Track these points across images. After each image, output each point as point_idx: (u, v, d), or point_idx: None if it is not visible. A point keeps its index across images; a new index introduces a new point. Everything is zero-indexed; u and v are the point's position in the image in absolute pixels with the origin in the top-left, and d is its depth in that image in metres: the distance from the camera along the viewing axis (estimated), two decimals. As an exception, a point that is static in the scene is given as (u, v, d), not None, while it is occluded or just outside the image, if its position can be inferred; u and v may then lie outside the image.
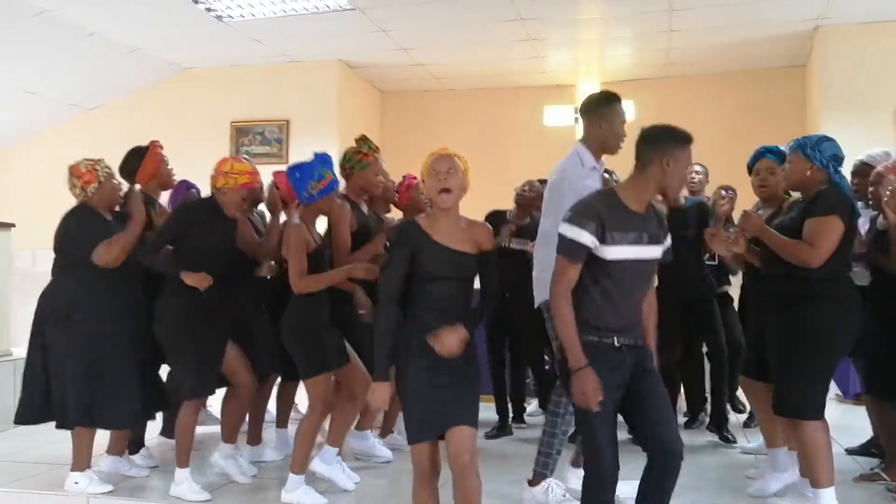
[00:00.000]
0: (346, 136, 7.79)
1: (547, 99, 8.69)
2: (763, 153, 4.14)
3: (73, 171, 3.97)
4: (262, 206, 4.76)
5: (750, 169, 4.22)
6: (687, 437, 5.00)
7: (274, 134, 8.31)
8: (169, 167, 4.36)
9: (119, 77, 8.22)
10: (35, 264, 7.94)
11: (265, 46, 7.72)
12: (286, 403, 4.88)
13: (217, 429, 4.39)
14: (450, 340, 2.73)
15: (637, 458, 2.78)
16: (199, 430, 4.49)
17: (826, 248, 3.25)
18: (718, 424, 4.99)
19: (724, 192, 5.45)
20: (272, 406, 4.91)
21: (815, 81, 7.51)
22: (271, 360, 4.38)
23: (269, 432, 4.93)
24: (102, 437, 4.21)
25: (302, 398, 4.33)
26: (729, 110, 8.25)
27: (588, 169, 3.55)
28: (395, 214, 5.06)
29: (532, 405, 5.73)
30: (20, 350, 5.18)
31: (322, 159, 3.78)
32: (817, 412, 3.33)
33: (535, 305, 3.71)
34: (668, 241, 2.83)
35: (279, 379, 4.75)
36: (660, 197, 2.86)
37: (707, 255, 5.00)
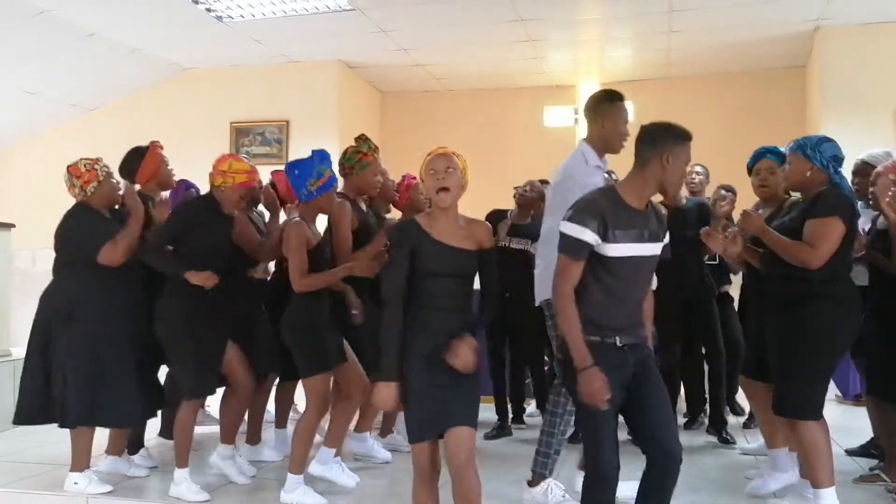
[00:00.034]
0: (345, 136, 7.78)
1: (547, 99, 8.69)
2: (763, 153, 4.15)
3: (72, 171, 3.97)
4: (261, 206, 4.77)
5: (750, 169, 4.23)
6: (686, 438, 5.03)
7: (274, 134, 8.31)
8: (169, 167, 4.36)
9: (119, 77, 8.22)
10: (35, 264, 7.95)
11: (265, 47, 7.72)
12: (285, 403, 4.89)
13: (216, 429, 4.39)
14: (466, 354, 2.73)
15: (638, 458, 2.78)
16: (198, 430, 4.49)
17: (827, 250, 3.25)
18: (717, 427, 5.00)
19: (723, 192, 5.45)
20: (272, 406, 4.91)
21: (814, 82, 7.51)
22: (270, 359, 4.38)
23: (269, 432, 4.93)
24: (102, 437, 4.22)
25: (301, 398, 4.34)
26: (729, 111, 8.25)
27: (592, 167, 3.55)
28: (395, 214, 5.06)
29: (532, 405, 5.72)
30: (20, 350, 5.17)
31: (320, 156, 3.78)
32: (816, 412, 3.33)
33: (537, 304, 3.71)
34: (667, 237, 2.84)
35: (278, 379, 4.74)
36: (660, 197, 2.86)
37: (707, 255, 5.00)
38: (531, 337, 5.06)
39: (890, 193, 3.57)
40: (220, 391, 4.24)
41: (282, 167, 4.38)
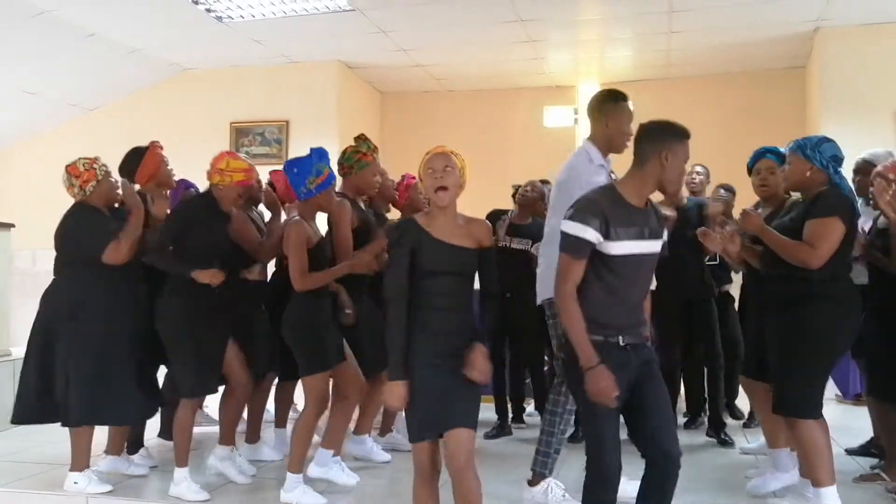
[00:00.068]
0: (345, 136, 7.77)
1: (547, 100, 8.69)
2: (763, 153, 4.15)
3: (71, 171, 3.97)
4: (261, 206, 4.77)
5: (750, 169, 4.23)
6: (686, 438, 5.05)
7: (274, 135, 8.31)
8: (168, 167, 4.36)
9: (119, 77, 8.22)
10: (35, 264, 7.95)
11: (265, 47, 7.72)
12: (284, 403, 4.88)
13: (216, 429, 4.39)
14: (482, 364, 2.76)
15: (639, 457, 2.77)
16: (198, 430, 4.49)
17: (827, 250, 3.25)
18: (716, 429, 5.00)
19: (722, 192, 5.46)
20: (271, 406, 4.91)
21: (814, 83, 7.51)
22: (269, 359, 4.39)
23: (269, 432, 4.93)
24: (101, 437, 4.21)
25: (300, 398, 4.34)
26: (729, 111, 8.25)
27: (596, 166, 3.56)
28: (395, 214, 5.06)
29: (532, 405, 5.72)
30: (20, 350, 5.17)
31: (319, 154, 3.78)
32: (816, 411, 3.33)
33: (538, 303, 3.71)
34: (665, 234, 2.85)
35: (277, 378, 4.74)
36: (661, 196, 2.86)
37: (708, 255, 5.00)
38: (531, 337, 5.06)
39: (890, 193, 3.57)
40: (219, 392, 4.24)
41: (281, 167, 4.38)
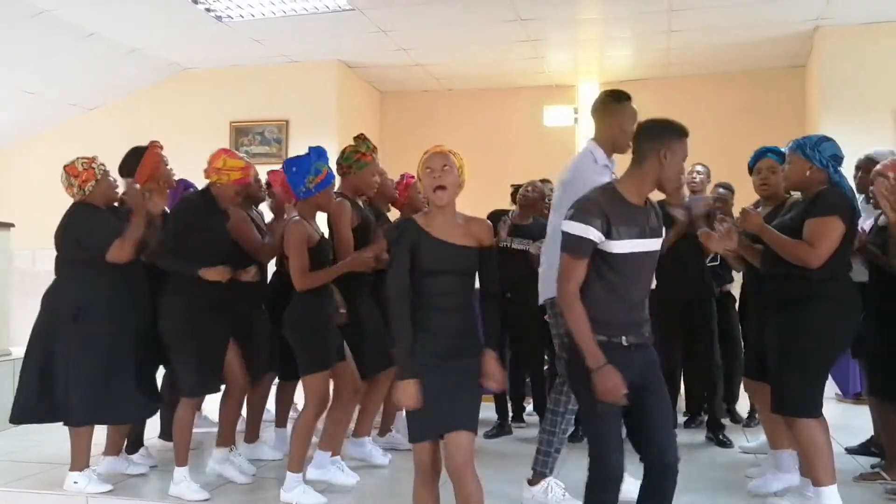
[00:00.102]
0: (345, 136, 7.76)
1: (547, 99, 8.69)
2: (764, 153, 4.15)
3: (69, 171, 3.97)
4: (261, 206, 4.77)
5: (751, 168, 4.23)
6: (687, 437, 5.06)
7: (273, 134, 8.31)
8: (168, 167, 4.36)
9: (119, 77, 8.21)
10: (35, 264, 7.95)
11: (265, 47, 7.72)
12: (285, 403, 4.89)
13: (216, 429, 4.38)
14: (496, 372, 2.79)
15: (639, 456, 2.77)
16: (198, 429, 4.49)
17: (826, 249, 3.25)
18: (714, 431, 5.01)
19: (720, 190, 5.47)
20: (271, 405, 4.92)
21: (814, 82, 7.51)
22: (268, 360, 4.39)
23: (268, 431, 4.93)
24: (101, 436, 4.21)
25: (301, 398, 4.33)
26: (728, 110, 8.25)
27: (601, 166, 3.55)
28: (394, 214, 5.06)
29: (532, 404, 5.72)
30: (20, 350, 5.17)
31: (317, 153, 3.78)
32: (815, 410, 3.33)
33: (540, 302, 3.70)
34: (663, 232, 2.85)
35: (277, 378, 4.74)
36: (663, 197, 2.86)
37: (709, 256, 5.00)
38: (531, 337, 5.06)
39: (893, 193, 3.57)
40: (220, 392, 4.24)
41: (280, 167, 4.38)
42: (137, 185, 4.22)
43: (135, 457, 4.41)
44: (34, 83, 7.72)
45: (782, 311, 3.39)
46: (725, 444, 4.91)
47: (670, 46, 7.65)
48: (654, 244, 2.74)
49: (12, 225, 5.98)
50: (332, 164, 4.06)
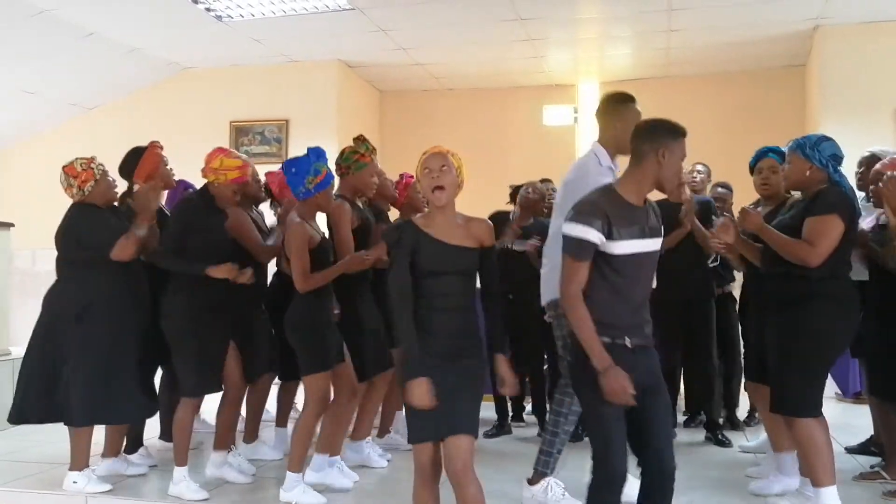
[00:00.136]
0: (345, 135, 7.77)
1: (546, 98, 8.69)
2: (766, 152, 4.14)
3: (68, 171, 3.97)
4: (262, 206, 4.77)
5: (752, 168, 4.22)
6: (686, 436, 5.07)
7: (273, 133, 8.31)
8: (168, 167, 4.36)
9: (119, 77, 8.21)
10: (35, 264, 7.96)
11: (265, 46, 7.72)
12: (286, 403, 4.89)
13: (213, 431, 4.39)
14: (509, 376, 2.82)
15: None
16: (196, 431, 4.49)
17: (826, 248, 3.25)
18: (713, 431, 5.01)
19: (719, 190, 5.47)
20: (271, 406, 4.92)
21: (814, 81, 7.51)
22: (266, 360, 4.39)
23: (268, 431, 4.93)
24: (100, 436, 4.21)
25: (301, 398, 4.33)
26: (728, 110, 8.24)
27: (605, 168, 3.54)
28: (394, 214, 5.06)
29: (531, 403, 5.72)
30: (20, 349, 5.17)
31: (316, 154, 3.78)
32: (815, 410, 3.32)
33: (543, 304, 3.70)
34: (662, 231, 2.85)
35: (278, 378, 4.74)
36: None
37: (710, 256, 4.99)
38: (531, 337, 5.06)
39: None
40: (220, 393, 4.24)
41: (279, 167, 4.38)
42: (136, 186, 4.23)
43: (134, 457, 4.41)
44: (34, 83, 7.73)
45: (782, 310, 3.39)
46: (724, 443, 4.91)
47: (670, 46, 7.65)
48: (654, 244, 2.74)
49: (12, 225, 5.98)
50: (332, 165, 4.06)
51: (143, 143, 4.35)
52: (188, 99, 8.41)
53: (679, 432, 5.03)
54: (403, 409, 2.92)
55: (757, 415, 5.45)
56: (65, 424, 3.96)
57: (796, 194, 3.82)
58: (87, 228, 3.92)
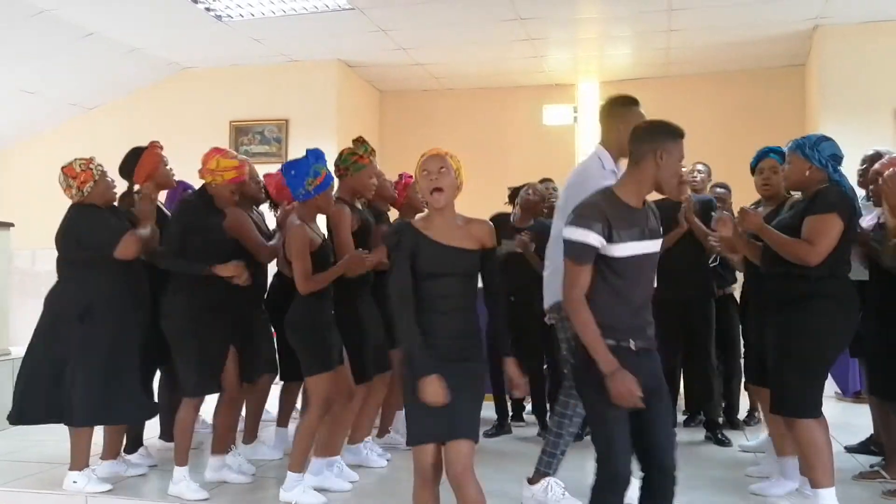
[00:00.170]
0: (345, 135, 7.78)
1: (546, 98, 8.69)
2: (767, 153, 4.14)
3: (67, 172, 3.97)
4: (262, 208, 4.77)
5: (753, 168, 4.23)
6: (686, 435, 5.07)
7: (273, 133, 8.31)
8: (168, 167, 4.36)
9: (118, 76, 8.21)
10: (34, 264, 7.96)
11: (264, 46, 7.72)
12: (288, 403, 4.89)
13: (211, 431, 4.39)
14: (518, 378, 2.83)
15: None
16: (198, 429, 4.49)
17: (825, 246, 3.24)
18: (712, 430, 5.02)
19: (719, 190, 5.48)
20: (270, 406, 4.91)
21: (814, 81, 7.51)
22: (265, 361, 4.39)
23: (267, 431, 4.93)
24: (100, 436, 4.21)
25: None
26: (728, 110, 8.24)
27: (608, 171, 3.54)
28: (394, 214, 5.06)
29: (531, 403, 5.72)
30: (19, 349, 5.17)
31: (315, 155, 3.78)
32: (815, 410, 3.32)
33: (546, 306, 3.70)
34: (661, 232, 2.85)
35: (280, 379, 4.74)
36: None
37: (710, 257, 5.00)
38: (531, 337, 5.06)
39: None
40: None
41: (281, 166, 4.38)
42: (136, 186, 4.24)
43: (133, 457, 4.41)
44: (34, 83, 7.73)
45: (782, 310, 3.38)
46: (724, 442, 4.92)
47: (670, 46, 7.65)
48: (654, 246, 2.73)
49: (11, 224, 5.98)
50: (331, 166, 4.06)
51: (143, 142, 4.35)
52: (188, 99, 8.41)
53: (679, 432, 5.01)
54: (403, 409, 2.92)
55: (756, 414, 5.46)
56: (65, 425, 3.96)
57: (797, 195, 3.82)
58: (86, 228, 3.92)
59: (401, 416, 4.82)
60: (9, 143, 8.74)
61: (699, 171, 5.43)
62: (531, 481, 3.71)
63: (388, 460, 4.55)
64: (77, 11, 6.63)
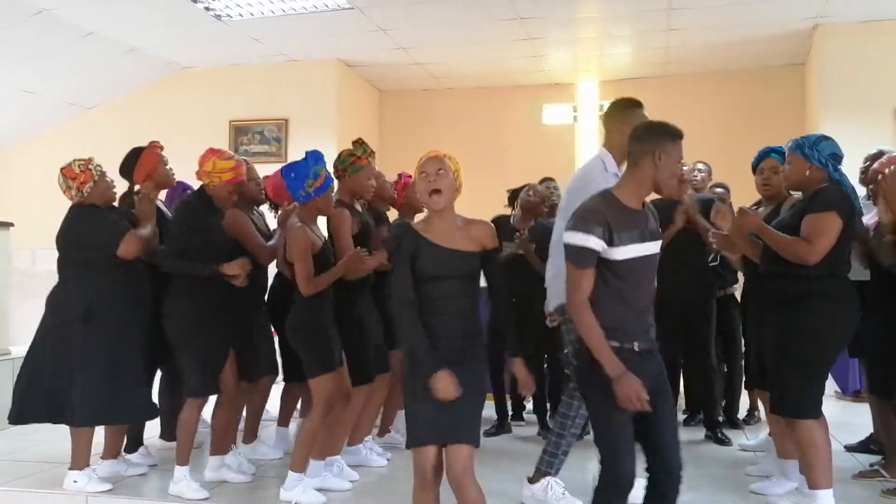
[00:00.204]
0: (344, 134, 7.78)
1: (546, 97, 8.69)
2: (768, 153, 4.14)
3: (67, 173, 3.97)
4: (262, 208, 4.77)
5: (755, 168, 4.22)
6: (686, 434, 5.02)
7: (273, 133, 8.30)
8: (167, 167, 4.36)
9: (118, 76, 8.21)
10: (34, 264, 7.97)
11: (264, 45, 7.72)
12: (289, 403, 4.89)
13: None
14: (526, 378, 2.84)
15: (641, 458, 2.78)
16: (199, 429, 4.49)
17: (823, 245, 3.24)
18: (712, 429, 5.02)
19: (717, 190, 5.48)
20: (271, 406, 4.91)
21: (813, 80, 7.51)
22: (267, 362, 4.39)
23: (269, 430, 4.93)
24: (100, 436, 4.21)
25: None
26: (728, 109, 8.24)
27: (611, 174, 3.54)
28: (393, 214, 5.05)
29: (532, 403, 5.72)
30: (19, 349, 5.17)
31: (314, 157, 3.78)
32: (815, 410, 3.32)
33: (552, 309, 3.70)
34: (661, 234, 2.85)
35: (282, 380, 4.74)
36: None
37: (710, 256, 5.00)
38: (533, 338, 5.06)
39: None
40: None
41: (280, 166, 4.38)
42: (137, 186, 4.24)
43: (133, 457, 4.41)
44: (33, 82, 7.72)
45: (781, 310, 3.38)
46: (724, 442, 4.92)
47: (669, 45, 7.65)
48: (654, 247, 2.73)
49: (11, 224, 5.98)
50: (332, 167, 4.07)
51: (143, 142, 4.36)
52: (187, 98, 8.41)
53: (679, 431, 5.02)
54: (404, 409, 2.92)
55: (756, 413, 5.47)
56: (67, 425, 3.96)
57: (797, 195, 3.82)
58: (87, 228, 3.93)
59: (401, 415, 4.81)
60: (8, 142, 8.74)
61: (699, 171, 5.43)
62: (531, 480, 3.71)
63: (388, 460, 4.55)
64: (76, 11, 6.63)
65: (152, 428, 4.68)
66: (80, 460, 3.96)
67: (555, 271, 3.56)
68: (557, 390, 5.20)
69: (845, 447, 4.65)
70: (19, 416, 4.00)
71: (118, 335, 3.91)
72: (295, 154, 7.53)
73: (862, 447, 4.60)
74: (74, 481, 3.93)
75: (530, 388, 2.92)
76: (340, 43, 7.68)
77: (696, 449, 4.79)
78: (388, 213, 4.90)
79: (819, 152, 3.37)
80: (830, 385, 6.03)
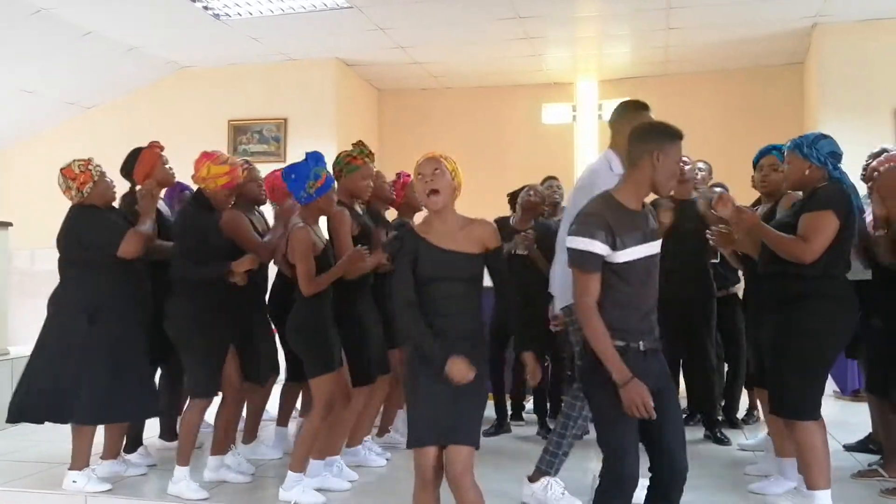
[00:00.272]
0: (344, 134, 7.79)
1: (545, 97, 8.68)
2: (769, 150, 4.14)
3: (66, 173, 3.97)
4: (262, 207, 4.77)
5: (755, 166, 4.22)
6: (685, 434, 5.06)
7: (272, 132, 8.30)
8: (167, 167, 4.36)
9: (117, 76, 8.20)
10: (34, 264, 7.96)
11: (263, 45, 7.71)
12: (289, 403, 4.89)
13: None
14: (534, 367, 2.88)
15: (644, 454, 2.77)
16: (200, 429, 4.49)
17: (820, 244, 3.23)
18: (711, 429, 5.03)
19: (717, 190, 5.47)
20: (271, 406, 4.92)
21: (813, 79, 7.51)
22: (268, 362, 4.39)
23: (269, 430, 4.94)
24: (99, 438, 4.21)
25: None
26: (727, 108, 8.24)
27: (615, 175, 3.54)
28: (391, 214, 5.05)
29: (531, 402, 5.72)
30: (18, 349, 5.17)
31: (314, 158, 3.79)
32: (815, 411, 3.32)
33: (558, 310, 3.71)
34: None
35: (279, 378, 4.75)
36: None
37: (710, 254, 5.00)
38: (534, 339, 5.05)
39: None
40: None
41: (280, 165, 4.38)
42: (138, 186, 4.24)
43: (133, 457, 4.41)
44: (33, 82, 7.72)
45: (780, 310, 3.38)
46: (723, 441, 4.92)
47: (669, 44, 7.65)
48: (654, 248, 2.73)
49: (10, 224, 5.98)
50: (331, 167, 4.07)
51: (142, 142, 4.36)
52: (186, 98, 8.40)
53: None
54: (405, 409, 2.93)
55: (755, 413, 5.47)
56: (69, 424, 3.96)
57: (797, 193, 3.82)
58: (87, 228, 3.93)
59: (401, 415, 4.82)
60: (8, 142, 8.73)
61: (700, 170, 5.43)
62: (531, 479, 3.71)
63: (387, 459, 4.55)
64: (76, 11, 6.63)
65: (152, 428, 4.69)
66: (79, 460, 3.97)
67: (561, 270, 3.56)
68: (557, 390, 5.21)
69: (844, 447, 4.65)
70: (19, 415, 4.00)
71: (119, 334, 3.92)
72: (294, 153, 7.53)
73: (860, 447, 4.60)
74: (74, 481, 3.94)
75: (537, 377, 2.94)
76: (339, 42, 7.68)
77: (696, 448, 4.79)
78: (386, 213, 4.89)
79: (818, 151, 3.37)
80: (829, 384, 6.03)
